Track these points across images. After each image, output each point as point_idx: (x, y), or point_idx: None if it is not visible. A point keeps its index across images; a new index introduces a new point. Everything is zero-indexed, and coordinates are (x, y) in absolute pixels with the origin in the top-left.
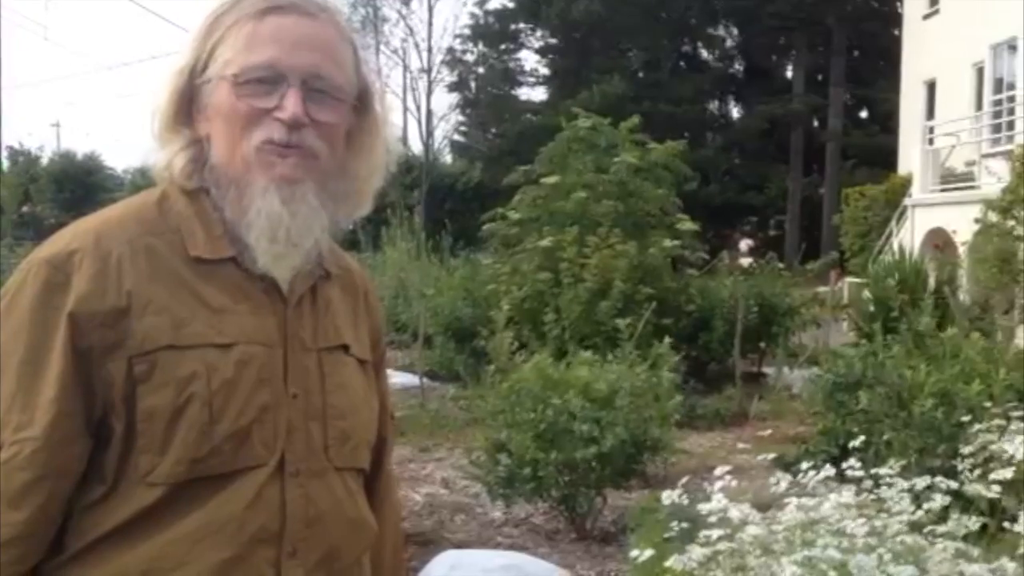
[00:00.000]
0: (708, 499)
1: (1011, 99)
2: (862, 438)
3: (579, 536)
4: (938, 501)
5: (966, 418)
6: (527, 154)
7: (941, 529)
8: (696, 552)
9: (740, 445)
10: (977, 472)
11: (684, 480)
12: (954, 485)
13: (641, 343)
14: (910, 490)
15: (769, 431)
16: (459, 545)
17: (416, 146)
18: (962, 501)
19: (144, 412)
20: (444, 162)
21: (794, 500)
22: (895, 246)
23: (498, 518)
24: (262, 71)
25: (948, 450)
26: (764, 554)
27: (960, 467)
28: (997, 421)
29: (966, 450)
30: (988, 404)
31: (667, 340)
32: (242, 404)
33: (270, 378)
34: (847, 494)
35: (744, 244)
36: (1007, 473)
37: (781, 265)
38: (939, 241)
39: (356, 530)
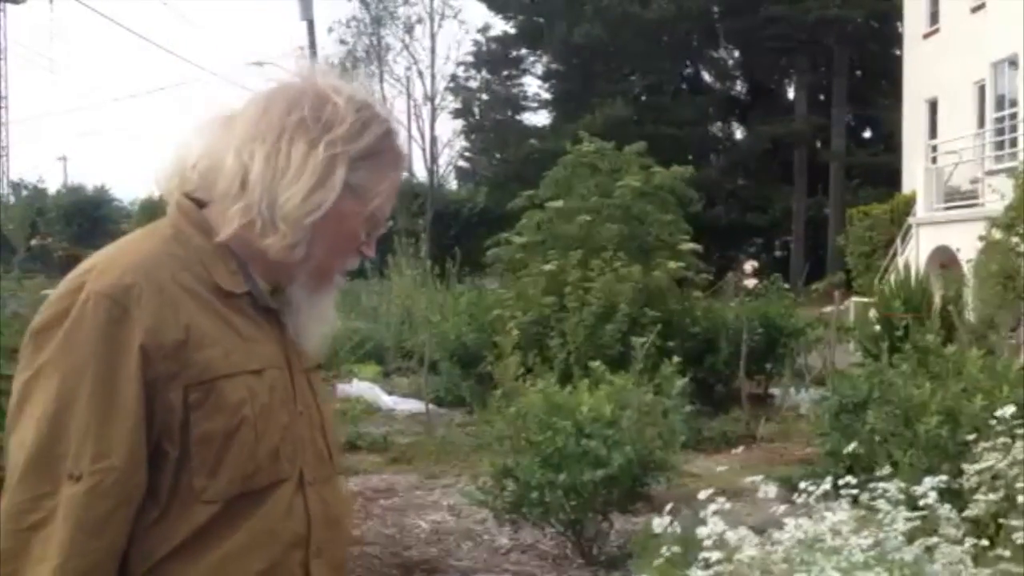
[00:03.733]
0: (703, 523)
1: (1013, 116)
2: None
3: (586, 562)
4: (931, 498)
5: (971, 436)
6: (531, 179)
7: (934, 540)
8: (697, 575)
9: (746, 467)
10: (983, 490)
11: (668, 507)
12: (944, 480)
13: (647, 366)
14: (907, 496)
15: (777, 453)
16: (465, 572)
17: (421, 173)
18: (967, 524)
19: (199, 436)
20: (449, 188)
21: (792, 521)
22: (900, 265)
23: (505, 544)
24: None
25: (953, 469)
26: (764, 575)
27: (966, 485)
28: (1002, 439)
29: (971, 469)
30: (993, 422)
31: (675, 359)
32: (274, 425)
33: (287, 400)
34: (842, 513)
35: (749, 265)
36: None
37: (786, 286)
38: (944, 259)
39: (350, 527)
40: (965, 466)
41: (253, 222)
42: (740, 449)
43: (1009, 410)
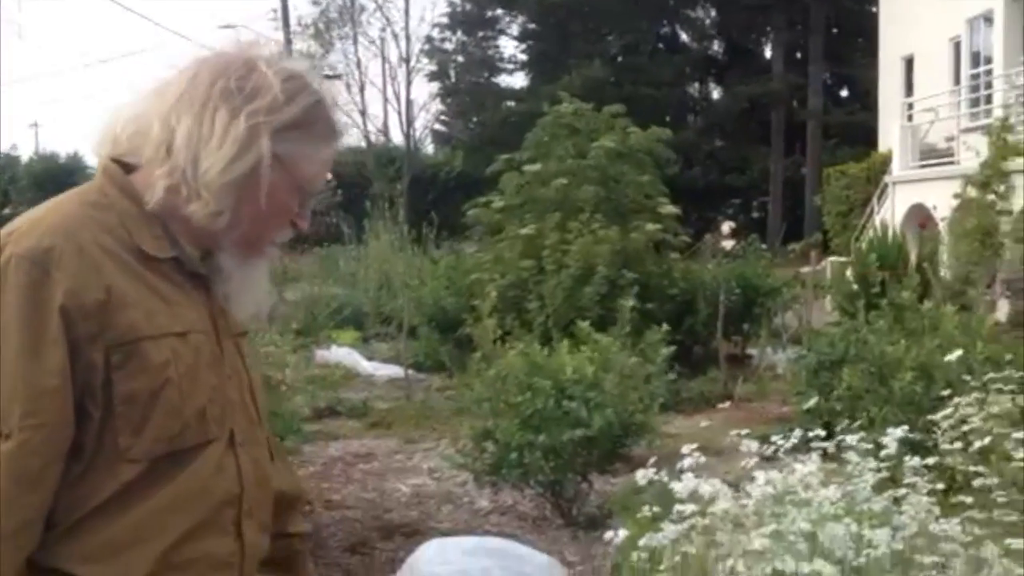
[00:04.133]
0: (680, 477)
1: (988, 73)
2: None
3: (566, 522)
4: (892, 448)
5: (945, 392)
6: (509, 142)
7: (902, 491)
8: (670, 529)
9: (724, 427)
10: (956, 444)
11: (652, 461)
12: (910, 431)
13: (627, 337)
14: (877, 448)
15: (754, 412)
16: (446, 534)
17: (397, 137)
18: (935, 472)
19: (123, 396)
20: (426, 153)
21: (762, 473)
22: (876, 224)
23: (485, 507)
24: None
25: (927, 424)
26: (735, 528)
27: (940, 440)
28: (976, 394)
29: (945, 423)
30: (967, 377)
31: (663, 328)
32: (201, 386)
33: (214, 363)
34: (812, 465)
35: (727, 226)
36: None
37: (763, 246)
38: (920, 218)
39: (272, 487)
40: (937, 417)
41: (178, 189)
42: (721, 407)
43: (981, 358)
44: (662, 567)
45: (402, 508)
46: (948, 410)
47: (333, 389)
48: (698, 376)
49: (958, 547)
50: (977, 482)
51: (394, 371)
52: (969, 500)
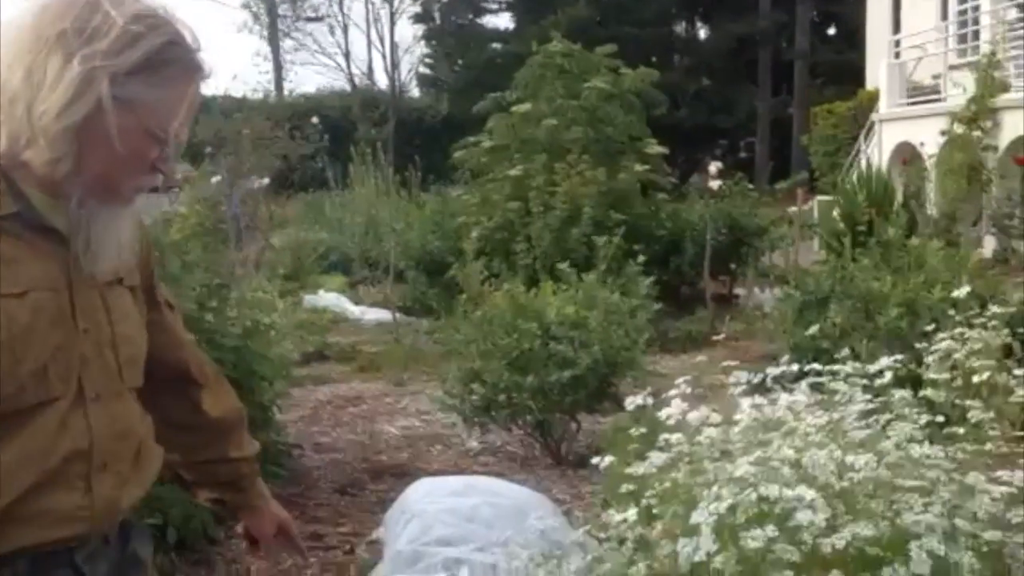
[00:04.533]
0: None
1: (976, 9)
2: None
3: (554, 462)
4: (887, 378)
5: (930, 327)
6: (494, 84)
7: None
8: (656, 457)
9: (711, 366)
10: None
11: (648, 390)
12: (903, 359)
13: (612, 269)
14: (864, 377)
15: (741, 350)
16: (435, 475)
17: (382, 80)
18: (923, 404)
19: None
20: (411, 96)
21: (748, 400)
22: (863, 162)
23: (474, 448)
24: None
25: (912, 359)
26: (721, 457)
27: (924, 376)
28: (960, 329)
29: (929, 359)
30: (951, 312)
31: (641, 259)
32: (39, 346)
33: (60, 319)
34: (800, 394)
35: (714, 167)
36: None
37: (751, 186)
38: (906, 155)
39: (145, 441)
40: (924, 352)
41: (17, 136)
42: (708, 347)
43: (964, 290)
44: (648, 494)
45: (391, 450)
46: (934, 346)
47: (321, 334)
48: (685, 316)
49: (942, 473)
50: (971, 414)
51: (382, 315)
52: (961, 431)
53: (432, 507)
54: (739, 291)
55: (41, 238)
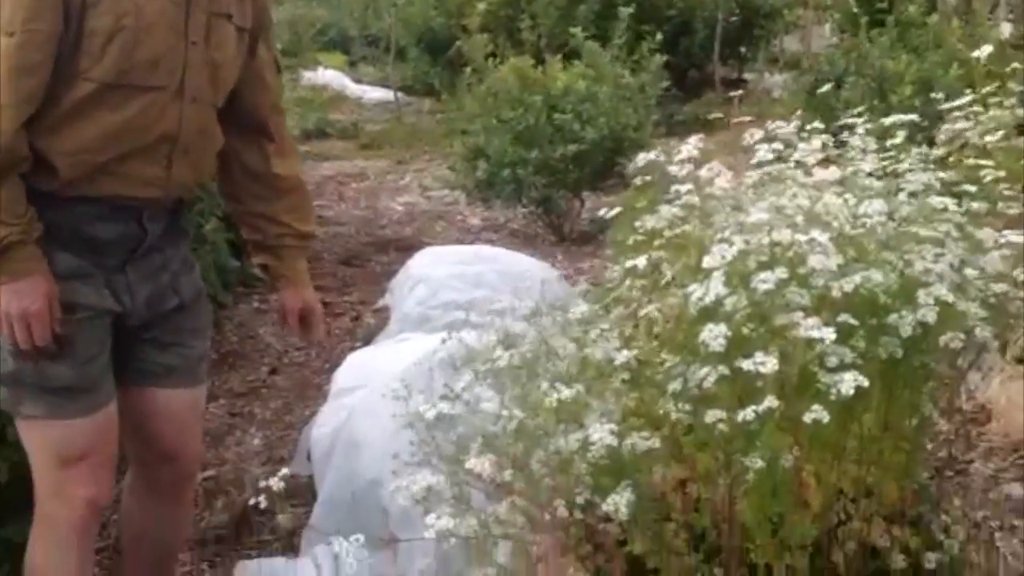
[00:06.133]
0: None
1: None
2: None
3: (557, 239)
4: (899, 137)
5: (945, 105)
6: None
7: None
8: (666, 210)
9: (720, 148)
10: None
11: (657, 150)
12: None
13: (623, 50)
14: (882, 138)
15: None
16: None
17: None
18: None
19: (88, 29)
20: None
21: (764, 146)
22: None
23: (477, 224)
24: None
25: (924, 139)
26: (734, 210)
27: (934, 154)
28: (975, 108)
29: (940, 137)
30: (967, 91)
31: (659, 38)
32: (157, 41)
33: (176, 27)
34: (816, 141)
35: None
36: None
37: None
38: None
39: (216, 144)
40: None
41: None
42: (720, 128)
43: (987, 50)
44: (657, 243)
45: (395, 225)
46: (946, 124)
47: (322, 111)
48: (692, 100)
49: (953, 228)
50: (984, 172)
51: (383, 94)
52: (972, 189)
53: (439, 273)
54: (748, 76)
55: None
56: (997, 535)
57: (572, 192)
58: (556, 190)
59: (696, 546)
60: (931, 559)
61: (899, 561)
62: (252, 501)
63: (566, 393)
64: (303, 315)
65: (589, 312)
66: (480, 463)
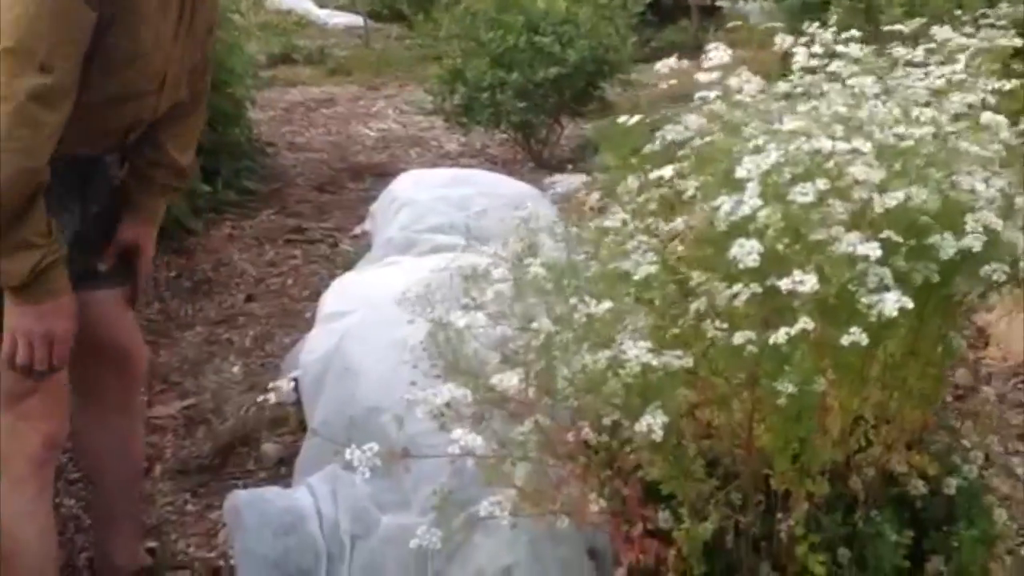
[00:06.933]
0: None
1: None
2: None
3: (536, 164)
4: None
5: (934, 29)
6: None
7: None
8: (691, 119)
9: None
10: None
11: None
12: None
13: None
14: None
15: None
16: None
17: None
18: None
19: (105, 46)
20: None
21: (802, 50)
22: None
23: (454, 150)
24: None
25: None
26: (764, 122)
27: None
28: (966, 29)
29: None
30: (958, 12)
31: None
32: (159, 58)
33: (170, 40)
34: (855, 47)
35: None
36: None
37: None
38: None
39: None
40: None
41: None
42: (697, 55)
43: None
44: (681, 153)
45: (369, 151)
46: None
47: (287, 36)
48: (667, 26)
49: (1004, 149)
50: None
51: (350, 19)
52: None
53: (423, 196)
54: (723, 2)
55: None
56: (1013, 460)
57: (552, 117)
58: (536, 115)
59: (711, 472)
60: (951, 484)
61: (919, 487)
62: (260, 399)
63: (599, 307)
64: (128, 254)
65: (618, 225)
66: (507, 378)
